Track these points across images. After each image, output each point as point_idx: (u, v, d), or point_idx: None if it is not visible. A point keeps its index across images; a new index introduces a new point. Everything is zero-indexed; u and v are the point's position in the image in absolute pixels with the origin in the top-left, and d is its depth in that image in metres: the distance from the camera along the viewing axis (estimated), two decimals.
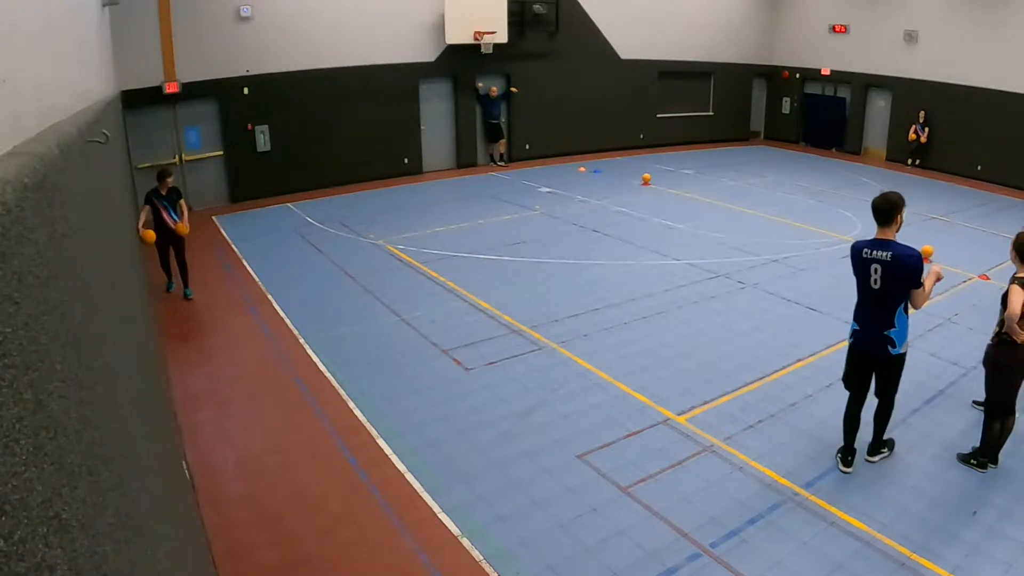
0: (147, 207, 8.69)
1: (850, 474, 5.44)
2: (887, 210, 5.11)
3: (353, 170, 15.43)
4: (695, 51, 20.08)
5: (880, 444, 5.63)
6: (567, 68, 17.97)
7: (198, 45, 13.12)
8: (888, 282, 5.07)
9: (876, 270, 5.09)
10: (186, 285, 9.22)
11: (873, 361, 5.32)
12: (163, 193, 8.81)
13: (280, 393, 6.83)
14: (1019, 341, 5.09)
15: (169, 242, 8.95)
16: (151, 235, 8.52)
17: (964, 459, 5.55)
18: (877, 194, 5.21)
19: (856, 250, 5.24)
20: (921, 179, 16.63)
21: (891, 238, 5.13)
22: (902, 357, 5.25)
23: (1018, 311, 4.96)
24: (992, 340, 5.37)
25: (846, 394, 5.54)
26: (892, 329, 5.16)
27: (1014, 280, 5.11)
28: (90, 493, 1.22)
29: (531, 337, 7.85)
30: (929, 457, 5.64)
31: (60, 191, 1.68)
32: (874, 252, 5.11)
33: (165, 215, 8.74)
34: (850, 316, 5.42)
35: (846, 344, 5.56)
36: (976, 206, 14.15)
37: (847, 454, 5.54)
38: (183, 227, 8.88)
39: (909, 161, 17.82)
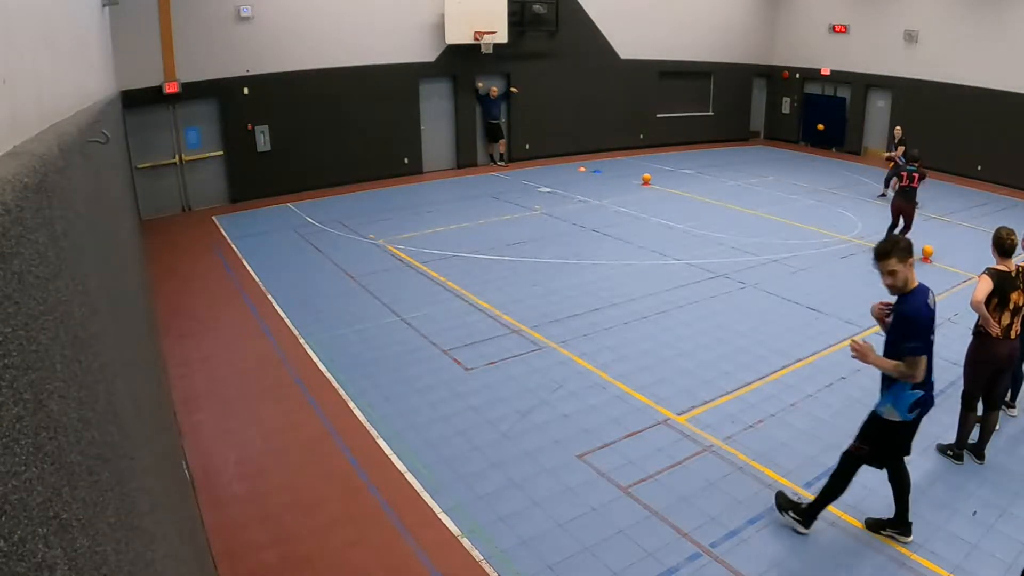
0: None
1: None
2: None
3: (353, 170, 15.43)
4: (695, 51, 20.08)
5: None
6: (567, 68, 17.96)
7: (198, 45, 13.12)
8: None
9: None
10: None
11: None
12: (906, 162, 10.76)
13: (280, 393, 6.82)
14: (992, 333, 5.16)
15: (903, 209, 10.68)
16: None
17: (942, 449, 5.67)
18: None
19: (930, 306, 4.28)
20: None
21: None
22: None
23: (979, 298, 5.09)
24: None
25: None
26: None
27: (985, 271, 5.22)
28: (90, 493, 1.22)
29: (531, 337, 7.85)
30: (929, 457, 5.64)
31: (60, 191, 1.68)
32: (932, 299, 4.35)
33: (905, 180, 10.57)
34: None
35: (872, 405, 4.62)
36: (976, 206, 14.14)
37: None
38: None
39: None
